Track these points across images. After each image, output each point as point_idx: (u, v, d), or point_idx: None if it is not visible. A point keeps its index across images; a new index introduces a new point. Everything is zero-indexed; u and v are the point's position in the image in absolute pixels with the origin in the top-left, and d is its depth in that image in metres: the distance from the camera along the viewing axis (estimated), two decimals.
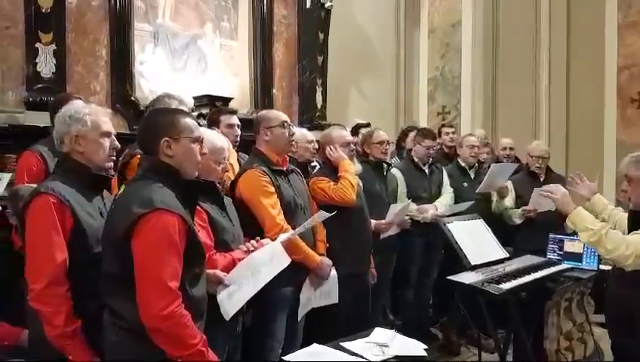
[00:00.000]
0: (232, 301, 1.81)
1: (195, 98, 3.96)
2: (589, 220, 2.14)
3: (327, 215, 2.32)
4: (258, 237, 2.12)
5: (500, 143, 4.71)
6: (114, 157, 1.85)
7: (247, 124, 3.20)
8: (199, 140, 1.69)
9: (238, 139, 2.99)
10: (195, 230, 1.62)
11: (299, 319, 2.48)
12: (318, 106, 5.10)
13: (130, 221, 1.49)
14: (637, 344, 2.10)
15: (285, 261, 1.98)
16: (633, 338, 2.13)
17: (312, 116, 5.02)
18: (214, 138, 2.07)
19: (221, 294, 1.81)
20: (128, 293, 1.49)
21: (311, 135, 3.22)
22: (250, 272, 1.88)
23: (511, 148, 4.54)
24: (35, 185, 1.92)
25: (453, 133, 4.53)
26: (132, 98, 3.90)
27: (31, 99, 3.32)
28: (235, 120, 2.99)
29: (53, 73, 3.40)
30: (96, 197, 1.80)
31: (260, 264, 1.92)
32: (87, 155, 1.77)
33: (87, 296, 1.65)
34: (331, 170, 2.85)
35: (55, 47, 3.41)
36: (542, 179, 3.84)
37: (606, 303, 2.37)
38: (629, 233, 2.17)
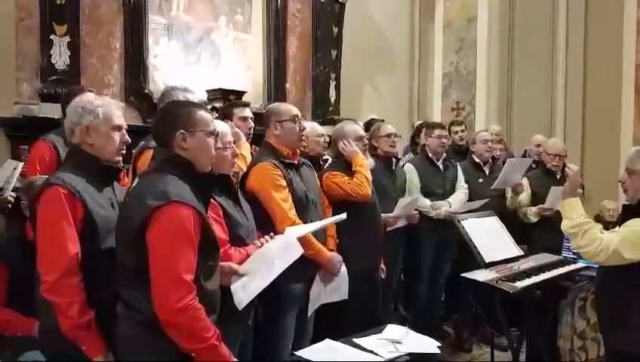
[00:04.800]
0: (245, 291, 1.80)
1: (209, 91, 3.98)
2: (577, 212, 2.18)
3: (343, 217, 2.30)
4: (272, 233, 2.10)
5: (533, 140, 4.63)
6: (123, 152, 1.84)
7: (260, 117, 3.19)
8: (214, 134, 1.69)
9: (252, 131, 2.97)
10: (210, 223, 1.62)
11: (309, 315, 2.46)
12: (332, 101, 5.08)
13: (145, 214, 1.48)
14: (622, 342, 2.11)
15: (298, 251, 1.96)
16: (618, 337, 2.13)
17: (325, 111, 5.00)
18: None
19: (235, 284, 1.80)
20: (143, 286, 1.49)
21: (321, 128, 3.19)
22: (264, 263, 1.87)
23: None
24: None
25: (462, 131, 4.48)
26: (146, 91, 3.91)
27: (45, 91, 3.34)
28: (248, 112, 2.98)
29: (67, 65, 3.43)
30: (106, 188, 1.79)
31: (274, 255, 1.91)
32: (96, 148, 1.76)
33: (98, 287, 1.65)
34: (344, 164, 2.83)
35: (69, 39, 3.43)
36: (558, 177, 3.78)
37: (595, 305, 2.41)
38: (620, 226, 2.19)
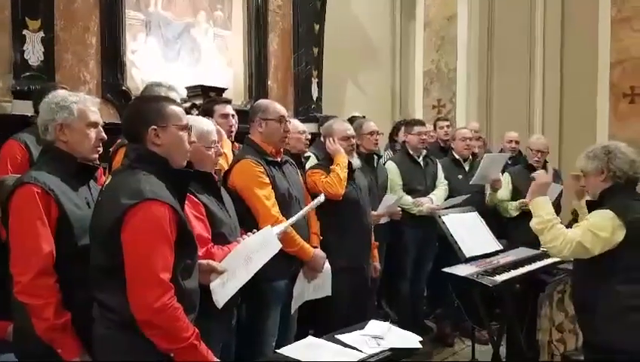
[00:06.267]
0: (224, 289, 1.78)
1: (188, 88, 3.92)
2: (545, 210, 2.25)
3: (321, 200, 2.28)
4: (255, 230, 2.08)
5: (505, 136, 4.73)
6: (100, 149, 1.80)
7: (242, 114, 3.16)
8: (187, 128, 1.65)
9: (233, 129, 2.94)
10: (186, 220, 1.59)
11: (292, 312, 2.46)
12: (314, 98, 5.06)
13: (119, 212, 1.45)
14: (593, 333, 2.20)
15: (276, 246, 1.94)
16: (595, 329, 2.20)
17: (307, 108, 4.98)
18: (199, 122, 2.02)
19: (214, 282, 1.78)
20: (118, 286, 1.46)
21: (302, 126, 3.17)
22: (243, 259, 1.85)
23: (517, 142, 4.58)
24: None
25: (448, 126, 4.54)
26: (123, 88, 3.83)
27: (18, 88, 3.23)
28: (229, 109, 2.94)
29: (41, 61, 3.32)
30: (82, 187, 1.75)
31: (252, 250, 1.88)
32: (71, 145, 1.72)
33: (74, 288, 1.61)
34: (330, 162, 2.82)
35: (43, 35, 3.33)
36: None
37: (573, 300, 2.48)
38: None
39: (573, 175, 2.53)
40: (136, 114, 1.64)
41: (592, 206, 2.27)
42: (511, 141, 4.60)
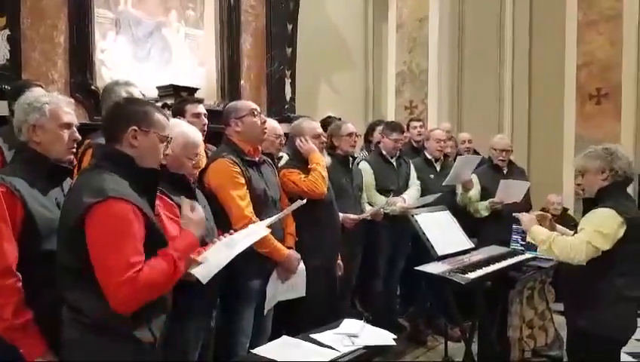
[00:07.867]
0: (207, 267, 1.77)
1: (159, 88, 3.87)
2: (541, 235, 2.43)
3: (303, 202, 2.30)
4: (232, 231, 2.08)
5: (459, 137, 4.85)
6: (74, 150, 1.78)
7: (213, 115, 3.13)
8: (167, 140, 1.64)
9: (206, 128, 2.91)
10: (154, 219, 1.56)
11: (265, 312, 2.45)
12: (287, 98, 5.04)
13: (82, 211, 1.42)
14: (586, 322, 2.31)
15: (264, 230, 1.94)
16: (584, 315, 2.32)
17: (280, 108, 4.96)
18: (188, 132, 2.02)
19: (195, 269, 1.76)
20: (86, 286, 1.43)
21: (280, 130, 3.16)
22: (226, 247, 1.87)
23: (469, 142, 4.72)
24: None
25: (421, 127, 4.60)
26: (92, 87, 3.75)
27: None
28: (201, 109, 2.91)
29: (7, 60, 3.23)
30: (54, 189, 1.72)
31: (238, 239, 1.92)
32: (44, 146, 1.70)
33: (41, 289, 1.58)
34: (301, 161, 2.83)
35: (9, 33, 3.24)
36: (505, 172, 3.94)
37: (561, 284, 2.65)
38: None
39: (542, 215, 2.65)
40: (122, 112, 1.61)
41: (587, 203, 2.42)
42: (464, 141, 4.74)
